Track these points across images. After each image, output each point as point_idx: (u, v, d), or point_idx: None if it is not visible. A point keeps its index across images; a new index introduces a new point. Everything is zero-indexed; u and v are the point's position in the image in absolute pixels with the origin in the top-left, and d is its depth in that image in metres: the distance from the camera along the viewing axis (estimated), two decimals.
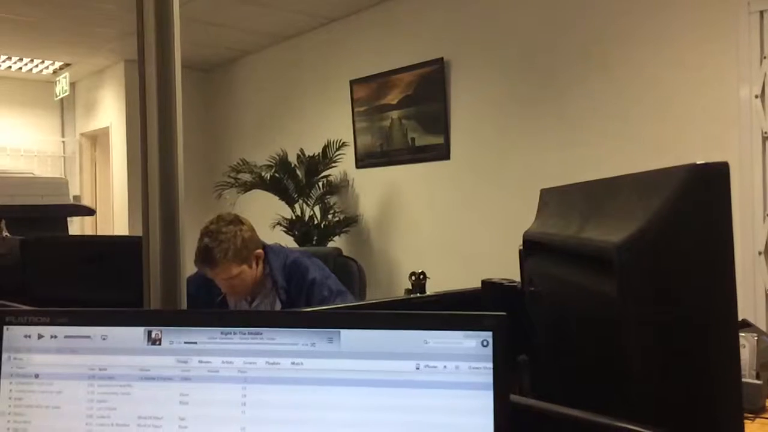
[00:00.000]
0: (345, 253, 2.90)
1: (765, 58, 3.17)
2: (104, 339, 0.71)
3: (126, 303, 0.92)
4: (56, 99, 7.53)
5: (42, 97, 7.65)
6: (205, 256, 2.15)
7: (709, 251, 0.65)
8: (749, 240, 3.20)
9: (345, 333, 0.67)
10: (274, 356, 0.67)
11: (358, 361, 0.66)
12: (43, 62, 7.02)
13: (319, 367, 0.66)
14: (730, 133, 3.28)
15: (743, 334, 1.47)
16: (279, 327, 0.68)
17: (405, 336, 0.66)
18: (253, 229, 2.27)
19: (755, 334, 1.51)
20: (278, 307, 2.23)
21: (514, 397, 0.69)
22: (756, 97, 3.20)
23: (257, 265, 2.26)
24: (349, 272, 2.59)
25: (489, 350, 0.64)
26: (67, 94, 7.33)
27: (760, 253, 3.19)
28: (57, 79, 7.29)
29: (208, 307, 2.29)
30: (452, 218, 4.72)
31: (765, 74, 3.17)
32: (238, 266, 2.18)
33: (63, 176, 7.33)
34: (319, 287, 2.21)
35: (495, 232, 4.31)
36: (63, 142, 8.07)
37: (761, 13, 3.18)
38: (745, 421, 1.36)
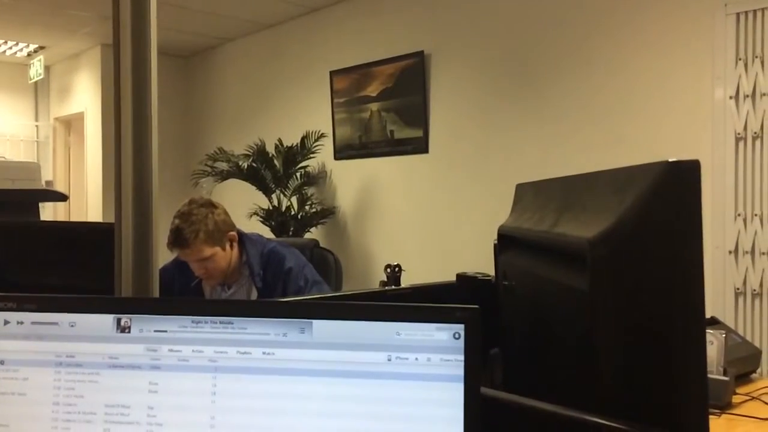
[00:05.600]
0: (322, 244, 2.89)
1: (740, 59, 3.22)
2: (72, 326, 0.70)
3: (98, 290, 0.91)
4: (30, 82, 7.39)
5: (16, 79, 7.50)
6: (176, 237, 2.13)
7: (679, 247, 0.66)
8: (720, 239, 3.25)
9: (317, 323, 0.67)
10: (245, 346, 0.67)
11: (329, 351, 0.66)
12: (17, 44, 6.88)
13: (290, 357, 0.66)
14: (704, 133, 3.33)
15: (712, 331, 1.50)
16: (250, 316, 0.68)
17: (377, 327, 0.66)
18: (226, 213, 2.26)
19: (723, 332, 1.54)
20: (254, 295, 2.23)
21: (485, 390, 0.70)
22: (730, 98, 3.24)
23: (231, 248, 2.24)
24: (325, 264, 2.58)
25: (460, 343, 0.64)
26: (41, 77, 7.19)
27: (730, 252, 3.24)
28: (31, 61, 7.15)
29: (184, 294, 2.27)
30: (429, 211, 4.73)
31: (740, 76, 3.21)
32: (211, 248, 2.17)
33: (36, 161, 7.20)
34: (296, 276, 2.20)
35: (472, 226, 4.34)
36: (36, 126, 7.92)
37: (737, 15, 3.22)
38: (712, 416, 1.39)
